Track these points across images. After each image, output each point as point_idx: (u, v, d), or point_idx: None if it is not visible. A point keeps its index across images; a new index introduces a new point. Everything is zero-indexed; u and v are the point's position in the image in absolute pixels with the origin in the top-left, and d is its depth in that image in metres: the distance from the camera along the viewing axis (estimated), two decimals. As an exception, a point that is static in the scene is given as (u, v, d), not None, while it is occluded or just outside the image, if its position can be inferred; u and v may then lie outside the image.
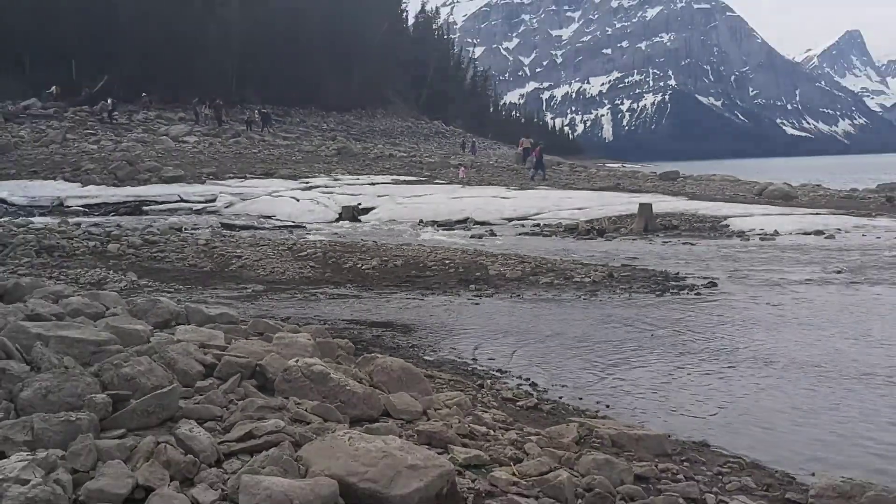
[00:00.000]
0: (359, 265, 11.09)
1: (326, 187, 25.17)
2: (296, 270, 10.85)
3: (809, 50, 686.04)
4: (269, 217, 20.43)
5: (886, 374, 5.67)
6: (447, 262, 11.15)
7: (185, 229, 16.26)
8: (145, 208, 21.64)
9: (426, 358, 6.12)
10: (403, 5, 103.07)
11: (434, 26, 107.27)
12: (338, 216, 20.30)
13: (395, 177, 29.73)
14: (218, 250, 12.27)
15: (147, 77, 49.82)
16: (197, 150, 36.71)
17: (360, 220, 19.91)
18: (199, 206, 22.19)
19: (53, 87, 44.48)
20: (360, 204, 21.40)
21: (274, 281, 10.20)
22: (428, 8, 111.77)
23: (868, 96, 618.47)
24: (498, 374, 5.74)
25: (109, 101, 42.94)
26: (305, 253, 12.04)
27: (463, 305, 8.54)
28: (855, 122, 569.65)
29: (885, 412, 4.90)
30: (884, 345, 6.55)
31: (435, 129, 77.47)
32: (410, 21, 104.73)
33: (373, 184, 26.48)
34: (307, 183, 26.44)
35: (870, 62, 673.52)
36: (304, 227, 18.43)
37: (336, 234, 16.76)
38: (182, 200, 22.77)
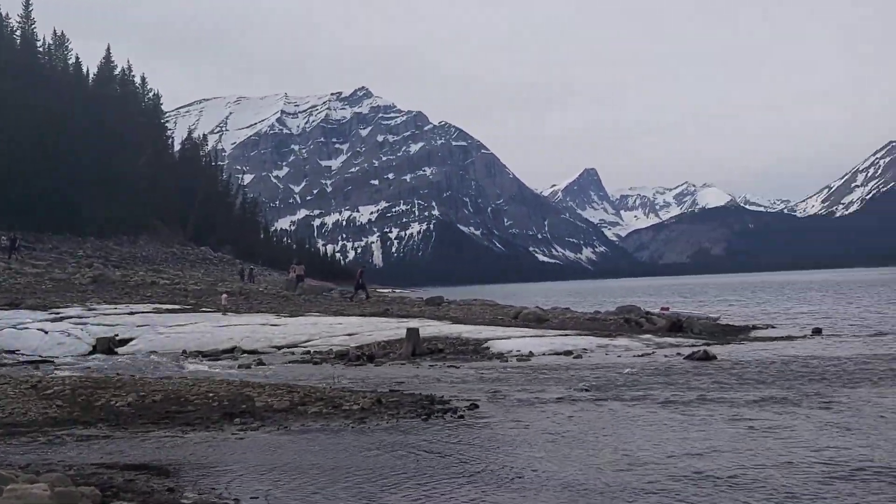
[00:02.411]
0: (112, 402, 10.31)
1: (80, 318, 23.37)
2: (39, 410, 9.85)
3: (555, 185, 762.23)
4: (13, 352, 18.61)
5: (644, 491, 6.11)
6: (211, 394, 10.69)
7: None
8: None
9: (183, 502, 5.80)
10: (169, 131, 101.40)
11: (202, 153, 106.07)
12: (92, 349, 18.89)
13: (157, 305, 28.33)
14: (-57, 392, 10.85)
15: None
16: (-75, 278, 32.79)
17: (117, 353, 18.66)
18: (-77, 341, 19.62)
19: None
20: (117, 335, 20.07)
21: (13, 423, 9.18)
22: (195, 135, 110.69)
23: (606, 227, 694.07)
24: (262, 513, 5.55)
25: None
26: (52, 390, 10.97)
27: (226, 441, 8.21)
28: (596, 250, 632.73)
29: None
30: (635, 465, 6.92)
31: (202, 255, 75.25)
32: (177, 147, 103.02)
33: (132, 313, 24.99)
34: (58, 313, 24.40)
35: (605, 197, 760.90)
36: (53, 361, 16.90)
37: (89, 368, 15.52)
38: None
